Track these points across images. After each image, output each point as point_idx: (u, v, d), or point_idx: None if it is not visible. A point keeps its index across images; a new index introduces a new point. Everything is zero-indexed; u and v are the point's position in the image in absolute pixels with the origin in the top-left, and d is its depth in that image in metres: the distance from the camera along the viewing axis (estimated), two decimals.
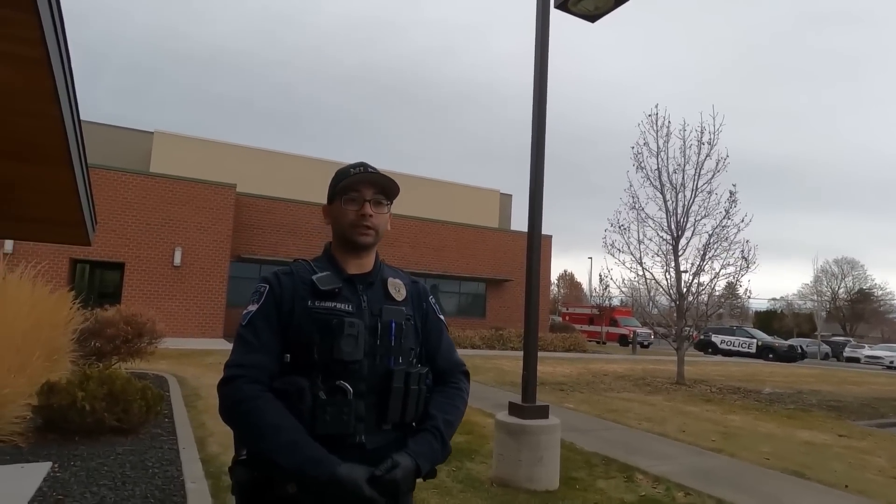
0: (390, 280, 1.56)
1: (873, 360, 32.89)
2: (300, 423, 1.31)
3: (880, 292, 58.83)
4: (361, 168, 1.53)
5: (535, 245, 5.13)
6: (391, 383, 1.41)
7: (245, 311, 1.46)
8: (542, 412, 4.95)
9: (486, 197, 30.72)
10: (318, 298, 1.43)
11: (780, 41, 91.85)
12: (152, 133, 24.57)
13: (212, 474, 4.34)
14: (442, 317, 1.67)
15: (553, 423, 4.90)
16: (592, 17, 5.69)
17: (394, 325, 1.47)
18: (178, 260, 17.59)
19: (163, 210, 17.60)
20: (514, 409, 4.97)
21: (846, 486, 5.43)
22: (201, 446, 5.19)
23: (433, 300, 1.66)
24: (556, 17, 5.54)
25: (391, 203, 1.58)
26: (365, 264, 1.55)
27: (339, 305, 1.43)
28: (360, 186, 1.51)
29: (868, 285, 59.05)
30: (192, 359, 11.69)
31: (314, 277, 1.45)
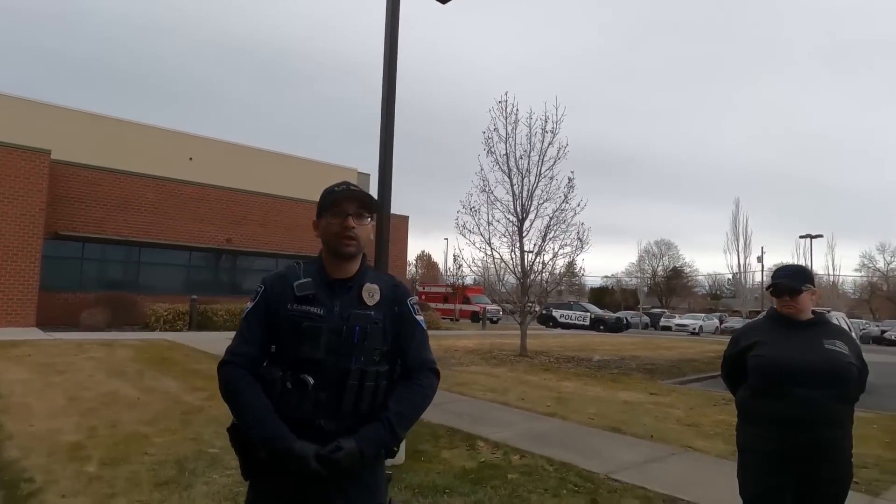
0: (366, 286, 1.75)
1: (681, 327, 38.42)
2: (273, 405, 1.61)
3: (689, 270, 68.50)
4: (345, 186, 1.77)
5: (384, 224, 5.13)
6: (347, 380, 1.63)
7: (246, 307, 1.76)
8: None
9: (344, 175, 30.13)
10: (297, 302, 1.68)
11: (631, 43, 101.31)
12: None
13: (6, 483, 3.77)
14: (419, 317, 1.84)
15: None
16: None
17: (357, 329, 1.67)
18: None
19: None
20: None
21: (651, 437, 6.25)
22: None
23: (412, 301, 1.85)
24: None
25: (373, 216, 1.83)
26: (349, 269, 1.76)
27: (312, 309, 1.67)
28: (343, 202, 1.74)
29: (680, 264, 68.35)
30: None
31: (295, 283, 1.70)
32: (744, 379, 2.67)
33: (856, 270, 58.93)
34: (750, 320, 4.12)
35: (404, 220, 26.18)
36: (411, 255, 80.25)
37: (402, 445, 4.92)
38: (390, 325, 1.75)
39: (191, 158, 24.63)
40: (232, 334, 1.78)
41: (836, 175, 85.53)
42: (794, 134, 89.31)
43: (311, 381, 1.61)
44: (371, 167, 5.35)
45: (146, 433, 5.34)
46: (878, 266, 57.37)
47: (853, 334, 14.50)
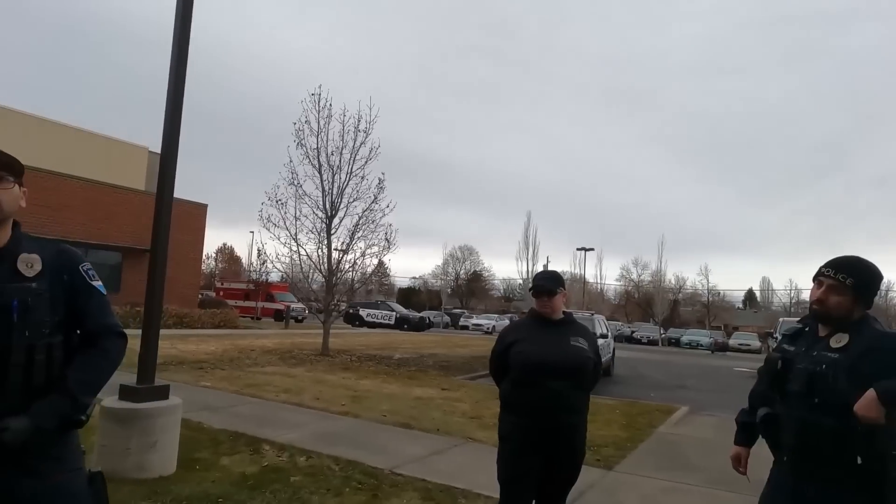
0: (22, 256, 1.60)
1: (477, 327, 41.57)
2: None
3: (487, 274, 74.38)
4: None
5: (164, 208, 4.62)
6: (10, 358, 1.51)
7: None
8: (162, 393, 4.52)
9: (131, 153, 26.51)
10: None
11: (445, 57, 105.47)
12: None
13: None
14: (95, 283, 1.73)
15: (173, 403, 4.53)
16: None
17: (16, 303, 1.54)
18: None
19: None
20: (125, 392, 4.40)
21: (438, 430, 6.59)
22: None
23: (85, 267, 1.72)
24: None
25: (19, 180, 1.63)
26: None
27: None
28: None
29: (480, 268, 73.88)
30: None
31: None
32: (508, 373, 2.94)
33: (617, 280, 69.54)
34: (516, 319, 4.60)
35: (202, 208, 24.05)
36: (211, 247, 74.22)
37: (174, 454, 4.47)
38: (61, 294, 1.65)
39: None
40: None
41: (608, 196, 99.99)
42: (574, 159, 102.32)
43: None
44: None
45: None
46: (632, 277, 68.45)
47: (609, 334, 16.88)
